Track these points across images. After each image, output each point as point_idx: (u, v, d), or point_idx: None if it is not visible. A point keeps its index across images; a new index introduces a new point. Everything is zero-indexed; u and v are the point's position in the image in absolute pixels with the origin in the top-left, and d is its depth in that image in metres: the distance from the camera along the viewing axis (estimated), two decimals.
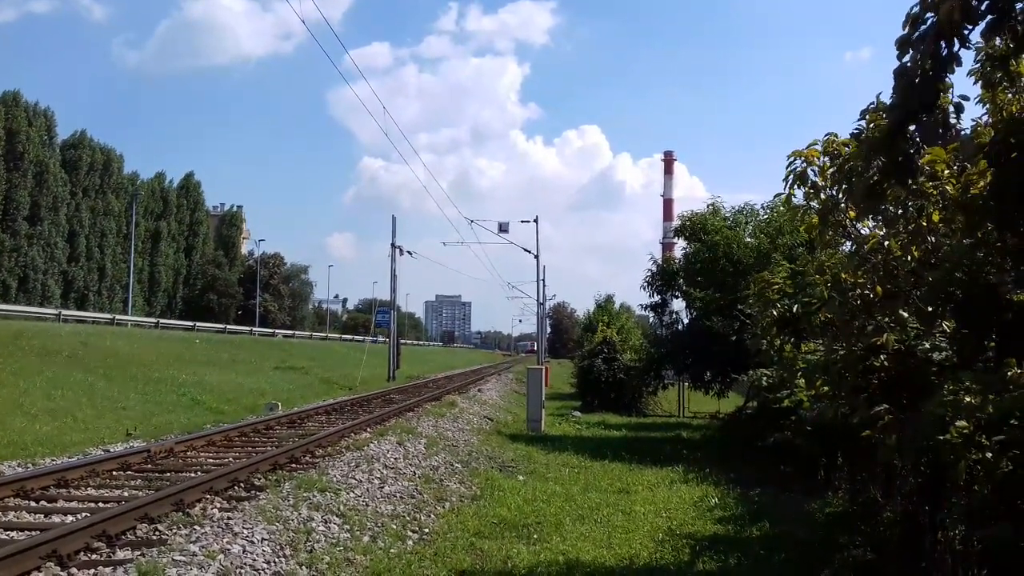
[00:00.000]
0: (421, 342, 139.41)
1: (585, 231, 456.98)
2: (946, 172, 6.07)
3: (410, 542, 9.06)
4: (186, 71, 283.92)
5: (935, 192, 6.12)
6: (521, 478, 13.94)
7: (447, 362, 70.75)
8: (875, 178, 5.19)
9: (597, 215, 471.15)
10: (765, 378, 15.04)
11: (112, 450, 12.86)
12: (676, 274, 27.06)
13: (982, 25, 4.25)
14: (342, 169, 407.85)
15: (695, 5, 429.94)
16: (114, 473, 10.88)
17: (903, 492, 8.47)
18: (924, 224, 6.35)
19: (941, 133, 4.67)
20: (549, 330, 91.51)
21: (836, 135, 6.58)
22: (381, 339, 60.03)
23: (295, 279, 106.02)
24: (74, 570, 6.50)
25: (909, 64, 4.49)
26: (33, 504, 9.00)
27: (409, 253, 43.05)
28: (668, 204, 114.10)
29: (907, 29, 4.43)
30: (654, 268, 28.00)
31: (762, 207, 25.51)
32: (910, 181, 5.31)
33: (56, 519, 8.31)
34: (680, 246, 28.27)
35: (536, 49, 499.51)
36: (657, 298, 27.90)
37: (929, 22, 4.34)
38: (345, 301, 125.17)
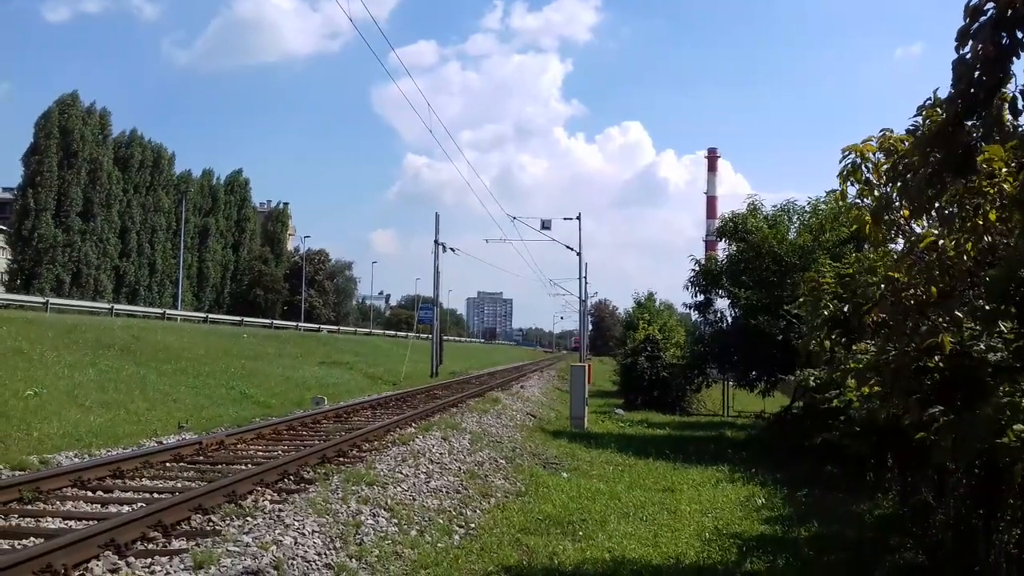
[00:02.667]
0: (463, 339, 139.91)
1: (627, 228, 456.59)
2: (1003, 170, 5.95)
3: (456, 537, 9.14)
4: (234, 69, 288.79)
5: (992, 191, 6.00)
6: (565, 475, 13.96)
7: (489, 358, 70.96)
8: (931, 171, 5.10)
9: (640, 212, 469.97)
10: (812, 378, 14.86)
11: (165, 442, 13.14)
12: (720, 273, 26.80)
13: None
14: (386, 166, 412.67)
15: (740, 2, 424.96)
16: (167, 464, 11.12)
17: (956, 495, 8.33)
18: (980, 223, 6.23)
19: (1002, 125, 4.58)
20: (591, 327, 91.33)
21: (891, 130, 6.48)
22: (424, 336, 60.39)
23: (339, 275, 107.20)
24: (132, 559, 6.66)
25: (968, 55, 4.42)
26: (90, 494, 9.24)
27: (452, 250, 43.24)
28: (712, 201, 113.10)
29: (967, 20, 4.37)
30: (697, 267, 27.78)
31: (807, 203, 25.16)
32: (967, 177, 5.22)
33: (113, 509, 8.52)
34: (722, 246, 27.92)
35: (580, 46, 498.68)
36: (701, 296, 27.67)
37: (989, 13, 4.27)
38: (388, 297, 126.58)
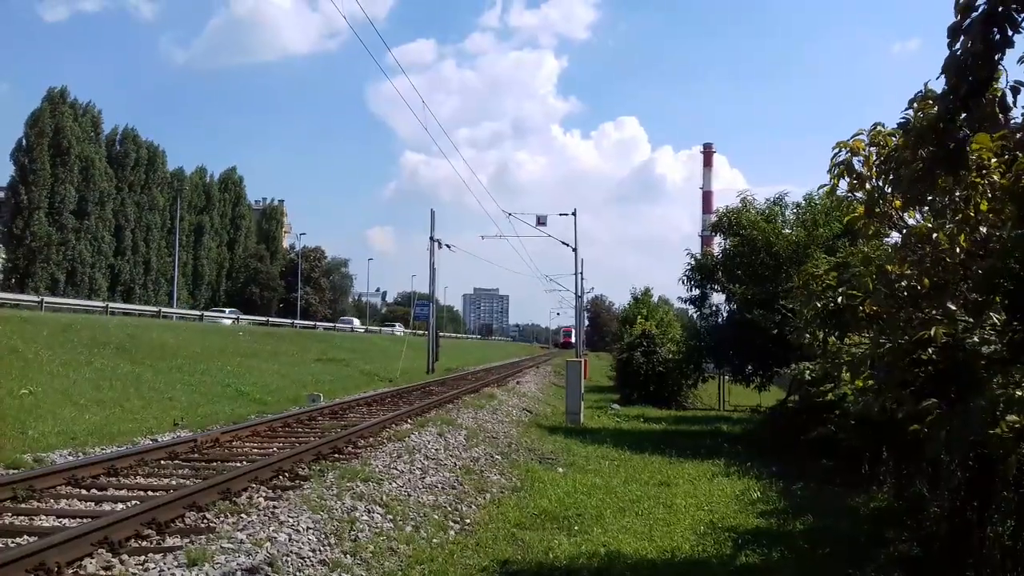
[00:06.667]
0: (459, 335, 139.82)
1: (624, 224, 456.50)
2: (994, 161, 5.96)
3: (452, 532, 9.14)
4: (232, 68, 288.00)
5: (983, 182, 6.01)
6: (561, 470, 13.97)
7: (485, 355, 70.84)
8: (921, 167, 5.10)
9: (637, 208, 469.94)
10: (808, 372, 14.87)
11: (160, 440, 13.11)
12: (715, 268, 26.80)
13: None
14: (383, 164, 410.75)
15: None
16: (162, 462, 11.09)
17: (950, 487, 8.34)
18: (972, 214, 6.23)
19: (994, 120, 4.59)
20: (587, 323, 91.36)
21: (883, 125, 6.49)
22: (420, 332, 60.35)
23: (335, 272, 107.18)
24: (125, 556, 6.65)
25: (960, 51, 4.41)
26: (84, 492, 9.20)
27: (448, 247, 43.19)
28: (707, 196, 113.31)
29: (958, 16, 4.36)
30: (693, 262, 27.76)
31: (803, 199, 25.14)
32: (959, 172, 5.22)
33: (107, 507, 8.49)
34: (718, 241, 27.91)
35: (578, 43, 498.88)
36: (696, 291, 27.66)
37: (980, 8, 4.27)
38: (385, 294, 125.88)
